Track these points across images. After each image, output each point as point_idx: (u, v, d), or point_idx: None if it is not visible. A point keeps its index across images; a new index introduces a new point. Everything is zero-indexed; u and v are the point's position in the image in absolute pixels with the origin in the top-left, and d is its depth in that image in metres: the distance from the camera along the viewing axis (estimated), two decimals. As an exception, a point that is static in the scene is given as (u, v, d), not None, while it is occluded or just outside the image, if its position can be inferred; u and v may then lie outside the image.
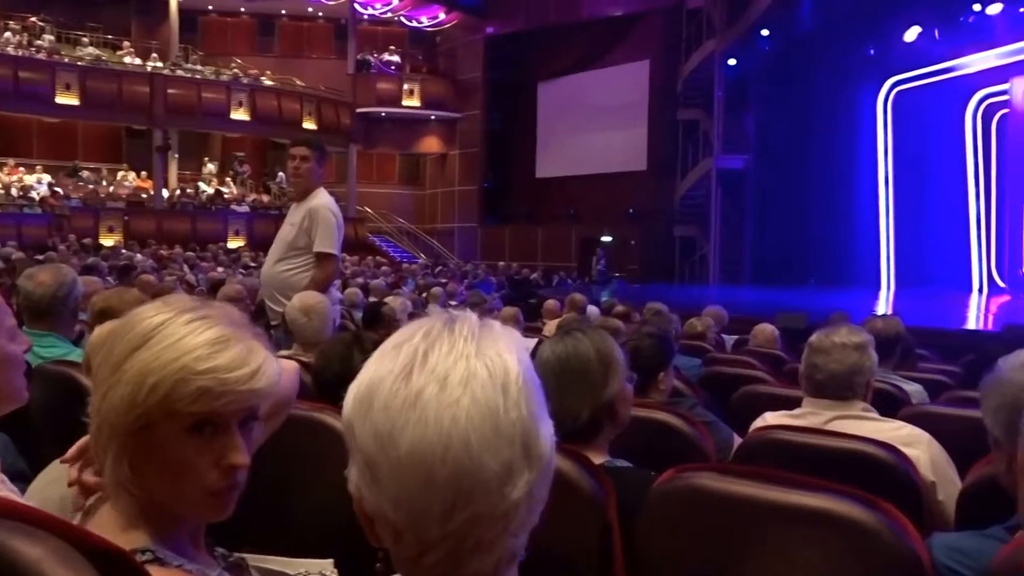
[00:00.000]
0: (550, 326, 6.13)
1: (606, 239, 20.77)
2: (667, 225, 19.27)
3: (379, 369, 0.79)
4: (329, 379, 2.34)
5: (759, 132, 18.66)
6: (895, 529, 1.40)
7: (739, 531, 1.54)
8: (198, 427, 0.99)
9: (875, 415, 2.46)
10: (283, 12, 24.10)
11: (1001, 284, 15.85)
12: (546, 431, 0.80)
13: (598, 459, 1.90)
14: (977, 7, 15.07)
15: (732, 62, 17.97)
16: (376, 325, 4.73)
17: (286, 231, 4.59)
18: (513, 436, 0.76)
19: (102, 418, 1.00)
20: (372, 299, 7.49)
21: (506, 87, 23.14)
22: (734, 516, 1.55)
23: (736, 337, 6.47)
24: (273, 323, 4.47)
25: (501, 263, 19.74)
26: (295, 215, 4.58)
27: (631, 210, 20.09)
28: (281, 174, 21.78)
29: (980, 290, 16.24)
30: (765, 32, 17.30)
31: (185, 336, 0.99)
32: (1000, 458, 1.54)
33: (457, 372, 0.76)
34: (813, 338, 2.53)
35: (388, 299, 6.31)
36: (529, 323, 6.79)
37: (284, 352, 3.76)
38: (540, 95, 22.77)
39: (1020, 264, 15.31)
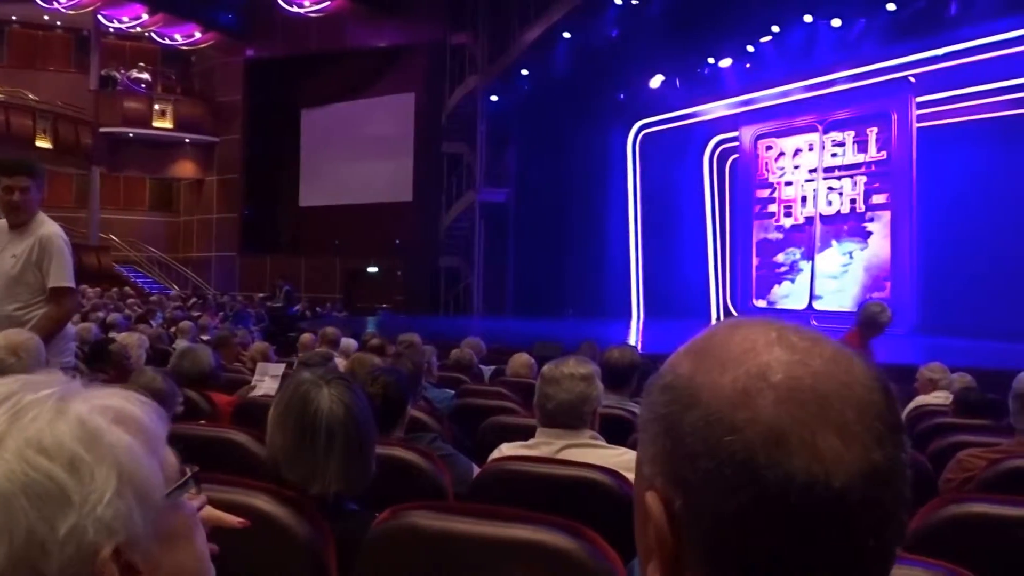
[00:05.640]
0: (301, 361, 5.92)
1: (372, 269, 20.66)
2: (432, 256, 19.43)
3: None
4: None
5: (520, 167, 19.34)
6: (596, 556, 1.46)
7: (455, 568, 1.55)
8: None
9: (602, 442, 2.54)
10: (13, 18, 21.96)
11: (735, 314, 17.25)
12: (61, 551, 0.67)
13: (318, 502, 1.81)
14: (711, 60, 16.48)
15: (494, 98, 18.54)
16: (102, 364, 4.34)
17: (7, 263, 4.14)
18: None
19: None
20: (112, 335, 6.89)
21: (268, 112, 22.41)
22: (450, 553, 1.56)
23: (494, 367, 6.60)
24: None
25: (261, 295, 19.02)
26: (17, 246, 4.13)
27: (397, 241, 20.11)
28: None
29: (718, 320, 17.57)
30: (525, 72, 17.98)
31: None
32: None
33: None
34: (544, 369, 2.59)
35: (123, 335, 5.82)
36: (284, 358, 6.52)
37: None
38: (304, 122, 22.33)
39: (751, 295, 16.77)
